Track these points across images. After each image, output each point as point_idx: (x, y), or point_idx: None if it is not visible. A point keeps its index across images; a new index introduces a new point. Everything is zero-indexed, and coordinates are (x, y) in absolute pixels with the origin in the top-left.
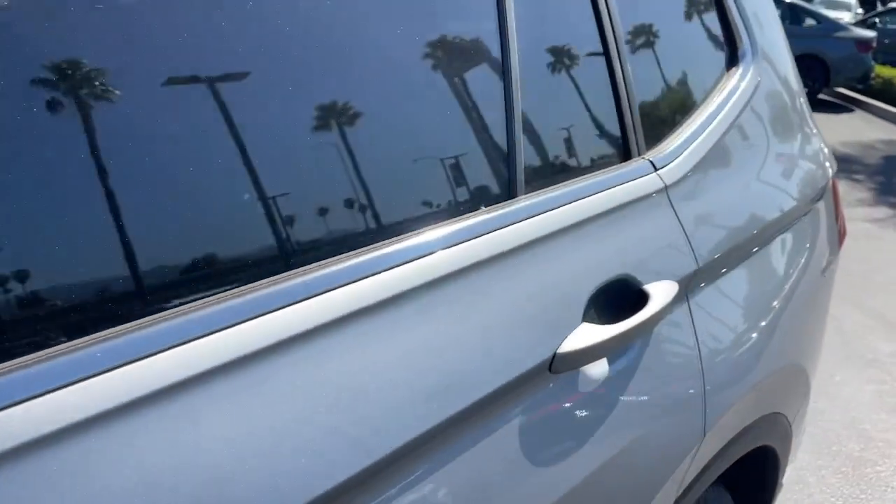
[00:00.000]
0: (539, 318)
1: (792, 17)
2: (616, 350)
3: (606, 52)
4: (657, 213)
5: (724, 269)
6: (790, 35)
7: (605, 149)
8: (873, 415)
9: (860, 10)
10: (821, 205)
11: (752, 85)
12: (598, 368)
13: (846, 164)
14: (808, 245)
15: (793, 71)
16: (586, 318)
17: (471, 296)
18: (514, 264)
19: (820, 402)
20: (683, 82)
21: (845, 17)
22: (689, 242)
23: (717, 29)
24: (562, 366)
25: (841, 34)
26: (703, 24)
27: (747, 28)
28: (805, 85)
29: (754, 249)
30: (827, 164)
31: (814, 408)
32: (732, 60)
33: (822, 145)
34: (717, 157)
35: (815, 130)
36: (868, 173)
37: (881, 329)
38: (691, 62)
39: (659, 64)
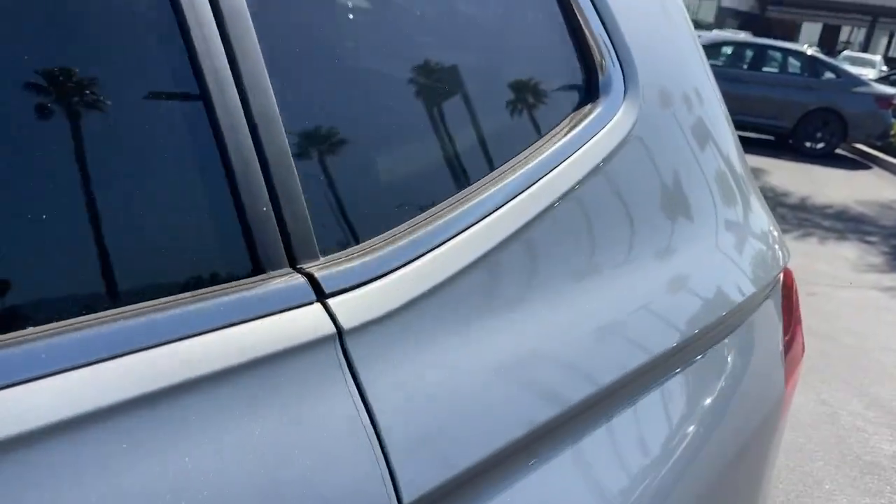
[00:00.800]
0: None
1: (811, 69)
2: None
3: (194, 64)
4: (309, 394)
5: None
6: (808, 88)
7: (183, 252)
8: None
9: (884, 68)
10: (755, 318)
11: (620, 134)
12: None
13: (859, 223)
14: (712, 396)
15: (736, 151)
16: None
17: None
18: None
19: None
20: (464, 127)
21: (869, 73)
22: (387, 458)
23: (562, 48)
24: None
25: (861, 89)
26: (524, 39)
27: (618, 48)
28: (822, 139)
29: (592, 427)
30: (779, 251)
31: None
32: (589, 96)
33: (772, 227)
34: (501, 265)
35: (761, 207)
36: (882, 235)
37: (884, 424)
38: (484, 94)
39: (399, 94)
